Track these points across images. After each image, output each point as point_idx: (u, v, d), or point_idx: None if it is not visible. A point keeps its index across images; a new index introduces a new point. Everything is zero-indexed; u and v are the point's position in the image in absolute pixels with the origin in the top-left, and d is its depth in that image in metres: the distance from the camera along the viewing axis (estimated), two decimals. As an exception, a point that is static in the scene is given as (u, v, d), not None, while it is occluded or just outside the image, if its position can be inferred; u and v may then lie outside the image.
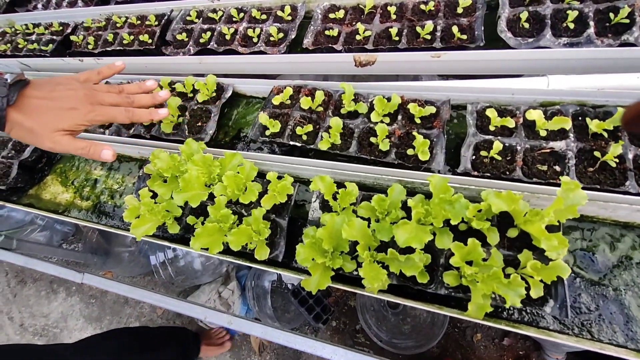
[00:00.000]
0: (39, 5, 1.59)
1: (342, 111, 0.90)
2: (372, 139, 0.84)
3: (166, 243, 0.89)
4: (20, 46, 1.43)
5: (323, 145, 0.85)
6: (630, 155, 0.68)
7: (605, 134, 0.72)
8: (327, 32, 1.06)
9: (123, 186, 1.10)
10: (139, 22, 1.32)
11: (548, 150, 0.74)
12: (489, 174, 0.74)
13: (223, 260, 2.20)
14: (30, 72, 1.37)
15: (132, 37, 1.28)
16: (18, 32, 1.51)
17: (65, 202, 1.12)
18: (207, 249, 0.76)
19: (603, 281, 0.67)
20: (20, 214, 2.48)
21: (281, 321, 2.00)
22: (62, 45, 1.40)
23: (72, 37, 1.36)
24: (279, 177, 0.82)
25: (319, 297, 1.83)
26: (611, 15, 0.83)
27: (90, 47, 1.32)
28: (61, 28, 1.43)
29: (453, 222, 0.63)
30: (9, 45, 1.46)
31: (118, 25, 1.34)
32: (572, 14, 0.85)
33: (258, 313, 1.97)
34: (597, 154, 0.70)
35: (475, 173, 0.74)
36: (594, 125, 0.71)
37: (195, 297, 2.14)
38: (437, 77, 1.21)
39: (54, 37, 1.40)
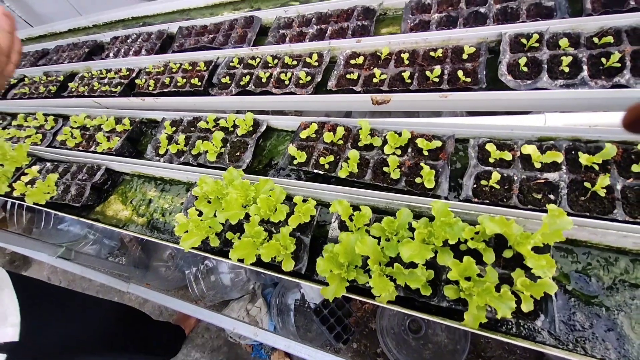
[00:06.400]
0: (111, 54, 1.92)
1: (360, 144, 1.04)
2: (385, 169, 0.97)
3: (208, 255, 1.04)
4: (95, 88, 1.73)
5: (342, 174, 0.99)
6: (619, 187, 0.76)
7: (596, 167, 0.80)
8: (348, 76, 1.22)
9: (172, 206, 1.29)
10: (190, 67, 1.58)
11: (543, 181, 0.82)
12: (488, 201, 0.83)
13: (251, 274, 2.32)
14: (100, 110, 1.66)
15: (184, 80, 1.52)
16: (94, 76, 1.82)
17: (125, 218, 1.33)
18: (242, 260, 0.90)
19: (597, 301, 0.72)
20: (76, 228, 2.80)
21: (303, 340, 2.07)
22: (128, 87, 1.68)
23: (137, 81, 1.64)
24: (304, 201, 0.96)
25: (340, 317, 1.90)
26: (603, 59, 0.92)
27: (150, 88, 1.58)
28: (128, 73, 1.73)
29: (451, 242, 0.73)
30: (86, 87, 1.77)
31: (174, 70, 1.60)
32: (567, 59, 0.95)
33: (281, 330, 2.06)
34: (587, 184, 0.78)
35: (476, 200, 0.84)
36: (584, 159, 0.80)
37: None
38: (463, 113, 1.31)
39: (122, 81, 1.69)
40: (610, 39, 0.95)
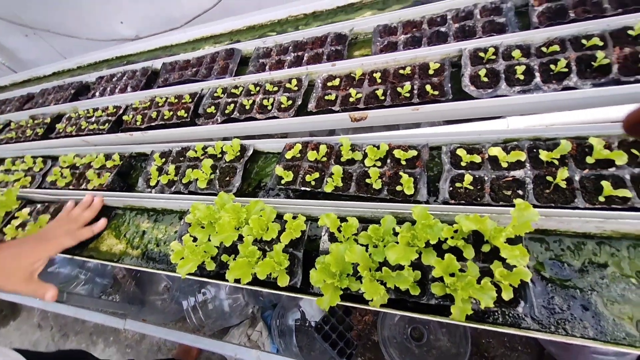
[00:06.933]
0: (97, 93, 1.98)
1: (342, 159, 1.11)
2: (367, 180, 1.03)
3: (205, 279, 1.06)
4: (82, 127, 1.78)
5: (328, 188, 1.05)
6: (577, 177, 0.83)
7: (556, 162, 0.88)
8: (326, 97, 1.31)
9: (166, 235, 1.31)
10: (176, 100, 1.64)
11: (510, 179, 0.90)
12: (463, 202, 0.90)
13: (249, 298, 2.31)
14: (89, 148, 1.70)
15: (171, 112, 1.58)
16: (81, 116, 1.87)
17: (119, 252, 1.34)
18: (239, 280, 0.93)
19: (571, 284, 0.78)
20: (67, 269, 2.75)
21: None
22: (116, 124, 1.73)
23: (124, 117, 1.69)
24: (294, 217, 1.01)
25: (341, 332, 1.90)
26: (552, 66, 1.03)
27: (138, 123, 1.63)
28: (115, 110, 1.78)
29: (432, 242, 0.78)
30: (74, 127, 1.81)
31: (160, 104, 1.67)
32: (521, 68, 1.06)
33: (284, 352, 2.04)
34: (549, 178, 0.85)
35: (453, 201, 0.91)
36: (544, 155, 0.88)
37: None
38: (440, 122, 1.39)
39: (109, 118, 1.74)
40: (556, 47, 1.06)
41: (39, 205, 1.55)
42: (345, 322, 1.97)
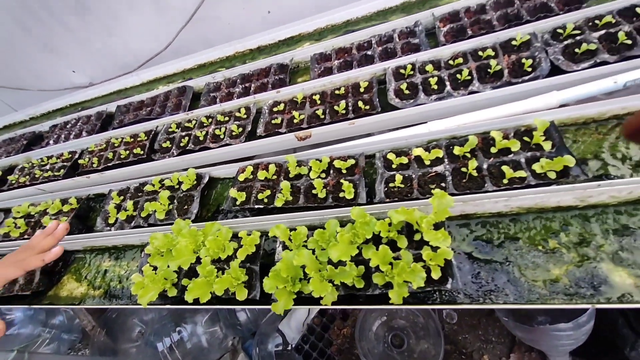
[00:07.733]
0: (51, 142, 1.98)
1: (290, 175, 1.20)
2: (314, 191, 1.12)
3: (169, 306, 1.08)
4: (37, 176, 1.76)
5: (279, 203, 1.12)
6: (485, 166, 0.97)
7: (468, 155, 1.01)
8: (273, 121, 1.41)
9: (129, 271, 1.32)
10: (132, 139, 1.69)
11: (434, 174, 1.02)
12: (397, 199, 1.00)
13: (227, 329, 2.27)
14: (44, 196, 1.68)
15: (127, 151, 1.62)
16: (34, 165, 1.86)
17: (81, 295, 1.32)
18: (198, 300, 0.96)
19: (493, 259, 0.89)
20: (28, 329, 2.57)
21: (291, 384, 2.01)
22: (72, 169, 1.73)
23: (80, 161, 1.71)
24: (249, 234, 1.07)
25: (321, 349, 1.91)
26: (458, 75, 1.20)
27: (94, 165, 1.66)
28: (70, 155, 1.79)
29: (367, 237, 0.87)
30: (27, 177, 1.79)
31: (116, 145, 1.71)
32: (434, 80, 1.22)
33: (267, 379, 2.00)
34: (464, 169, 0.98)
35: (388, 200, 1.01)
36: (457, 150, 1.01)
37: (206, 379, 2.16)
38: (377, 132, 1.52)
39: (65, 164, 1.75)
40: (460, 60, 1.24)
41: (-9, 260, 1.50)
42: (324, 339, 1.98)
